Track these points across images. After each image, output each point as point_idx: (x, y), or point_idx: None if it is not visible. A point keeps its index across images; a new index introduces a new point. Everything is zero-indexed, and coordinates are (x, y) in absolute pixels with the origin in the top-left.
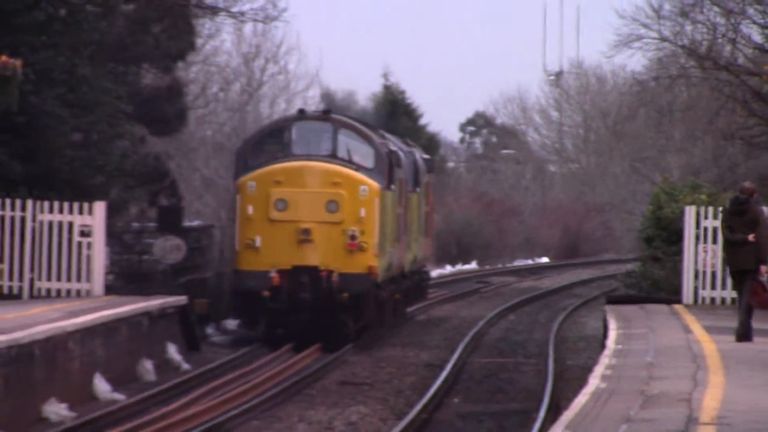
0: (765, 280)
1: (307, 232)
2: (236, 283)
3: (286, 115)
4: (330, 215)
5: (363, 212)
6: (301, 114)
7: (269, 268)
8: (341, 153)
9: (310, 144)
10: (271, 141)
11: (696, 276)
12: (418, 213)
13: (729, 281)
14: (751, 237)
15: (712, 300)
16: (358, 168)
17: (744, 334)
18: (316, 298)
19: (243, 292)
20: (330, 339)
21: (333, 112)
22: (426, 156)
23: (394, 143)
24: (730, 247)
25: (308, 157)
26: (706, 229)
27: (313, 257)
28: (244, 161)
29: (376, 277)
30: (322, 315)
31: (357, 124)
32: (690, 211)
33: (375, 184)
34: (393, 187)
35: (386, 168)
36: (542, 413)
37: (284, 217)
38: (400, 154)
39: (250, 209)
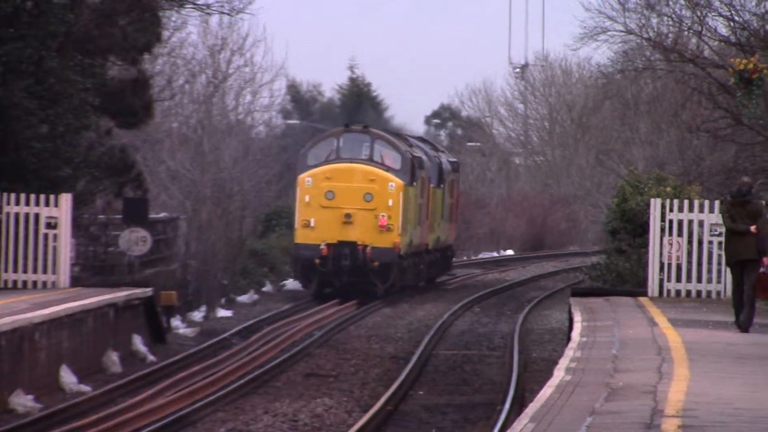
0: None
1: (349, 215)
2: (295, 253)
3: (336, 128)
4: (366, 204)
5: (391, 202)
6: (347, 127)
7: (320, 242)
8: (376, 157)
9: (353, 150)
10: (324, 147)
11: (661, 268)
12: (442, 204)
13: (695, 273)
14: (753, 228)
15: (678, 292)
16: (388, 169)
17: (749, 325)
18: (354, 265)
19: (300, 259)
20: (364, 296)
21: (371, 127)
22: (453, 159)
23: (421, 149)
24: (731, 237)
25: (351, 160)
26: (671, 221)
27: (352, 235)
28: (304, 162)
29: (399, 251)
30: (359, 278)
31: (389, 136)
32: (655, 204)
33: (400, 181)
34: (415, 183)
35: (410, 169)
36: (507, 405)
37: (332, 204)
38: (424, 158)
39: (307, 198)
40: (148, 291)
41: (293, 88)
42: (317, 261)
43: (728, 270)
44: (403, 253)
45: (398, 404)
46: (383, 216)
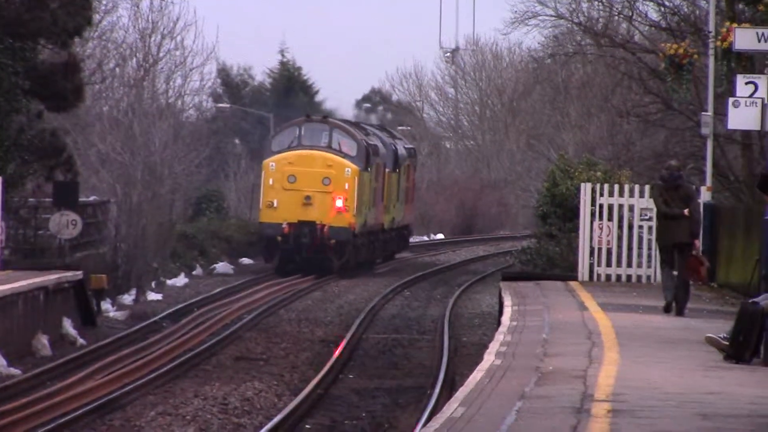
0: (700, 254)
1: (308, 197)
2: (259, 231)
3: (298, 118)
4: (324, 187)
5: (347, 186)
6: (308, 118)
7: (282, 221)
8: (334, 145)
9: (313, 138)
10: (287, 135)
11: (591, 253)
12: (398, 187)
13: (625, 258)
14: (686, 211)
15: (608, 277)
16: (345, 156)
17: (684, 308)
18: (313, 242)
19: (264, 237)
20: (320, 271)
21: (330, 117)
22: (409, 146)
23: (378, 137)
24: (664, 220)
25: (311, 147)
26: (601, 206)
27: (311, 215)
28: (269, 148)
29: (355, 230)
30: (317, 254)
31: (346, 125)
32: (586, 188)
33: (355, 167)
34: (370, 169)
35: (365, 156)
36: (437, 389)
37: (293, 187)
38: (379, 145)
39: (271, 181)
40: (78, 274)
41: (224, 72)
42: (279, 238)
43: (657, 254)
44: (358, 232)
45: (328, 388)
46: (339, 198)
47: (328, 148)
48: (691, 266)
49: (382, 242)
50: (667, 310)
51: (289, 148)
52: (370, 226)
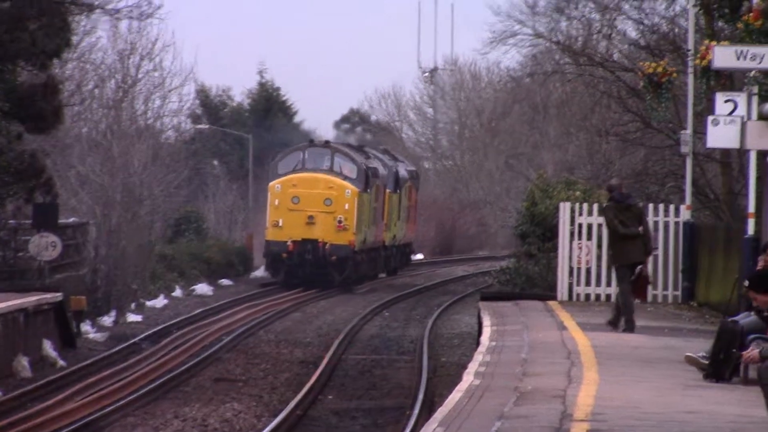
0: (647, 273)
1: (311, 217)
2: (266, 248)
3: (301, 144)
4: (326, 207)
5: (347, 206)
6: (311, 143)
7: (287, 239)
8: (336, 168)
9: (316, 162)
10: (291, 159)
11: (570, 272)
12: (399, 207)
13: (604, 277)
14: (640, 229)
15: (587, 296)
16: (346, 178)
17: (620, 323)
18: (316, 259)
19: (270, 253)
20: (323, 285)
21: (331, 143)
22: (411, 168)
23: (379, 160)
24: (621, 241)
25: (314, 170)
26: (580, 225)
27: (314, 233)
28: (274, 171)
29: (354, 247)
30: (319, 270)
31: (347, 150)
32: (565, 208)
33: (355, 189)
34: (369, 190)
35: (364, 178)
36: (416, 410)
37: (297, 207)
38: (379, 168)
39: (277, 202)
40: (58, 296)
41: (202, 93)
42: (284, 255)
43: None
44: (358, 249)
45: (307, 409)
46: (340, 217)
47: (330, 171)
48: (643, 284)
49: (384, 258)
50: (632, 327)
51: (294, 171)
52: (371, 243)
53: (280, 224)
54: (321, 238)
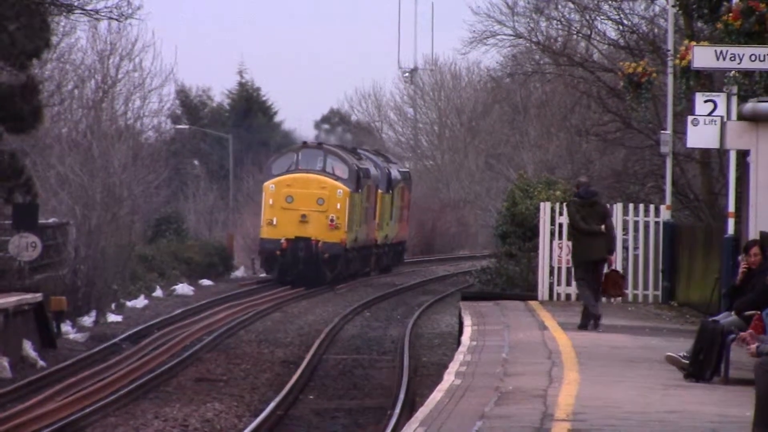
0: (617, 269)
1: (304, 216)
2: (261, 246)
3: (295, 145)
4: (319, 206)
5: (339, 206)
6: (305, 144)
7: (280, 237)
8: (328, 169)
9: (309, 163)
10: (285, 160)
11: (551, 272)
12: (391, 207)
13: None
14: (603, 227)
15: (568, 296)
16: (337, 178)
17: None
18: (308, 256)
19: (264, 251)
20: (315, 282)
21: (324, 144)
22: (404, 169)
23: (371, 161)
24: (584, 238)
25: (307, 171)
26: (561, 225)
27: (307, 231)
28: (269, 171)
29: (345, 245)
30: (312, 267)
31: (339, 151)
32: (545, 208)
33: (347, 189)
34: (361, 190)
35: (356, 179)
36: (397, 410)
37: (291, 206)
38: (371, 169)
39: (271, 201)
40: (38, 296)
41: (182, 93)
42: (278, 252)
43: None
44: (349, 247)
45: (288, 409)
46: (332, 216)
47: (323, 171)
48: (611, 281)
49: (376, 256)
50: (597, 323)
51: (288, 172)
52: (362, 242)
53: (274, 223)
54: (314, 236)
